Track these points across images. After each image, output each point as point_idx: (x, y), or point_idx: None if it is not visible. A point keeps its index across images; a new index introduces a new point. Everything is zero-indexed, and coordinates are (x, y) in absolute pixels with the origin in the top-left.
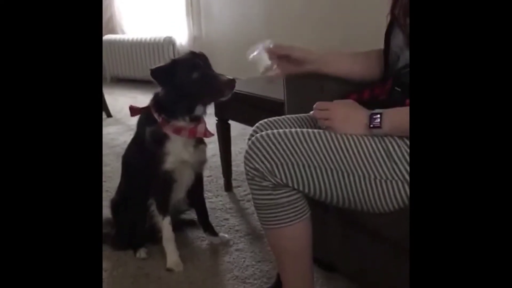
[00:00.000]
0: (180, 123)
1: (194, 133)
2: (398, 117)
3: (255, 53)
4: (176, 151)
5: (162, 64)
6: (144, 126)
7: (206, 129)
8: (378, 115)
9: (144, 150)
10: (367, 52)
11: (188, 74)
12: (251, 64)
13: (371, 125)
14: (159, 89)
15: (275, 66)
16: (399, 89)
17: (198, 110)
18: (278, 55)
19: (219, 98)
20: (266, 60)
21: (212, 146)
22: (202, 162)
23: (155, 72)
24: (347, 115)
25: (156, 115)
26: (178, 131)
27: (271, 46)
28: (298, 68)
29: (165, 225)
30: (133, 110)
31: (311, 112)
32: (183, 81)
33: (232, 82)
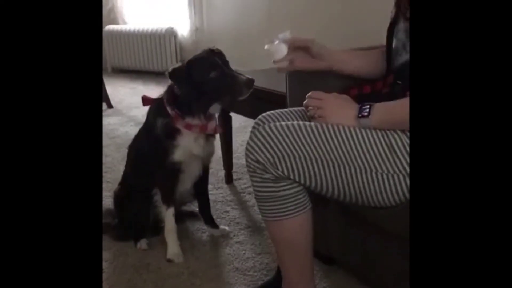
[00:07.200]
0: (194, 121)
1: (205, 130)
2: (387, 109)
3: (275, 42)
4: (187, 145)
5: (178, 65)
6: (156, 117)
7: (216, 125)
8: (368, 106)
9: (154, 140)
10: (374, 50)
11: (205, 74)
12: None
13: (359, 115)
14: (172, 83)
15: (289, 57)
16: (400, 82)
17: (214, 109)
18: (296, 47)
19: (237, 98)
20: (283, 51)
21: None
22: (211, 153)
23: (172, 74)
24: (339, 106)
25: (169, 109)
26: (189, 127)
27: (289, 36)
28: (312, 63)
29: (169, 216)
30: (146, 100)
31: (305, 102)
32: (200, 80)
33: (250, 82)
